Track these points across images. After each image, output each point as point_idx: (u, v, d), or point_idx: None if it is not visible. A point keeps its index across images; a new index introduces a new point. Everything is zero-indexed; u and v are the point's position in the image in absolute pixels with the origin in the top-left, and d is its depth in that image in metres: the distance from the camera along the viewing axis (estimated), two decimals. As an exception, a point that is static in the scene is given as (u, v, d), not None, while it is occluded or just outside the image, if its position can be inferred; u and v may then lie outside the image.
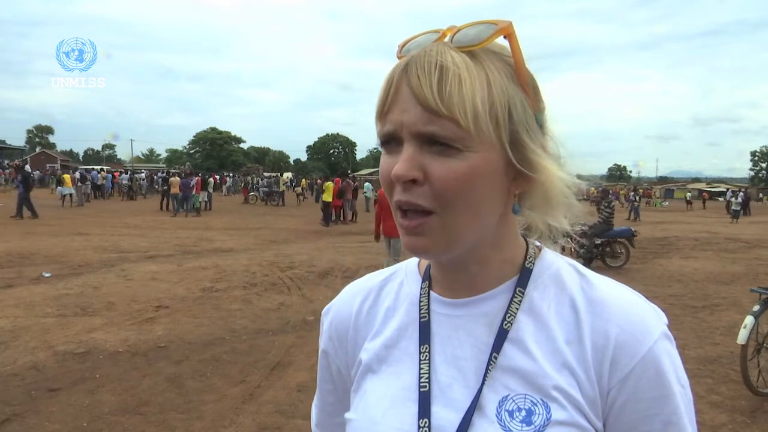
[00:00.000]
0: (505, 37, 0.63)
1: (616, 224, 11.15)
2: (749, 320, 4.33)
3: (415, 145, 0.61)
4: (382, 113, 0.64)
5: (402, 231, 0.65)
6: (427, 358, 0.70)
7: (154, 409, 4.00)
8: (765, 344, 4.53)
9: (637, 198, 26.93)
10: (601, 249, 10.67)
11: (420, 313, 0.73)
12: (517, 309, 0.68)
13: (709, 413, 4.12)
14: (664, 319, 0.68)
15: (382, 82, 0.65)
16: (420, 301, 0.74)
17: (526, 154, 0.64)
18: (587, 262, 10.52)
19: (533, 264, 0.71)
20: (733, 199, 26.78)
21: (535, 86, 0.66)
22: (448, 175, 0.60)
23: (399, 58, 0.67)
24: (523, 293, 0.69)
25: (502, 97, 0.62)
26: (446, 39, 0.65)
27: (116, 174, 35.37)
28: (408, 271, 0.79)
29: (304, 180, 45.05)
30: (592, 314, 0.66)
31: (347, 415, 0.76)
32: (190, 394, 4.27)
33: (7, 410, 3.92)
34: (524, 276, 0.70)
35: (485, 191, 0.63)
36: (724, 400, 4.37)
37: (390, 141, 0.64)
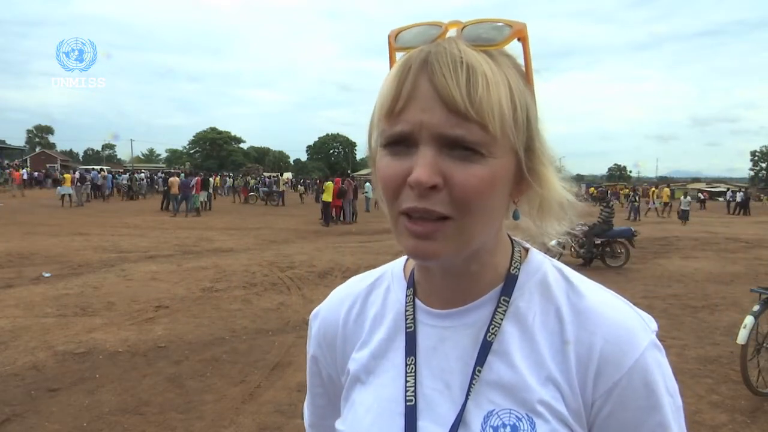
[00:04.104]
0: (519, 39, 0.61)
1: (616, 224, 11.16)
2: (749, 320, 4.33)
3: (435, 149, 0.57)
4: (394, 111, 0.58)
5: (406, 234, 0.60)
6: (413, 370, 0.69)
7: (154, 409, 4.00)
8: (765, 344, 4.53)
9: (637, 198, 26.68)
10: (601, 249, 10.67)
11: (406, 323, 0.72)
12: (502, 319, 0.67)
13: (709, 413, 4.12)
14: (653, 327, 0.67)
15: (391, 75, 0.60)
16: (406, 311, 0.72)
17: (534, 162, 0.63)
18: (587, 262, 10.54)
19: (518, 270, 0.69)
20: (682, 198, 24.80)
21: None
22: (471, 182, 0.58)
23: (394, 49, 0.63)
24: (507, 302, 0.67)
25: (522, 101, 0.60)
26: (451, 33, 0.61)
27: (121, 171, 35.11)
28: (394, 275, 0.78)
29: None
30: (577, 326, 0.65)
31: (337, 425, 0.75)
32: (190, 394, 4.27)
33: (7, 410, 3.92)
34: (509, 283, 0.68)
35: (500, 197, 0.62)
36: (724, 400, 4.37)
37: (400, 142, 0.59)
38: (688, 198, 24.20)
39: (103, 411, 3.95)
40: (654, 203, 28.94)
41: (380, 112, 0.61)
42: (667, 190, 31.86)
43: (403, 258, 0.79)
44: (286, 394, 4.30)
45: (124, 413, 3.93)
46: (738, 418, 4.07)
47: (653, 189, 33.28)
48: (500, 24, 0.60)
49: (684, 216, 22.83)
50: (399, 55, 0.63)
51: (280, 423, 3.85)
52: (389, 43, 0.64)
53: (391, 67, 0.62)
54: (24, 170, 40.70)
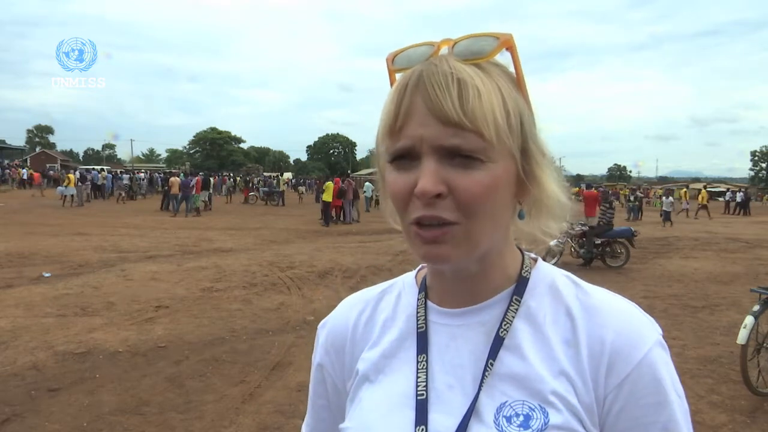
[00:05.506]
0: (507, 49, 0.64)
1: (616, 224, 11.16)
2: (749, 320, 4.33)
3: (436, 159, 0.61)
4: (395, 128, 0.63)
5: (419, 241, 0.64)
6: (424, 367, 0.70)
7: (154, 409, 4.00)
8: (765, 344, 4.53)
9: (635, 199, 26.32)
10: (601, 249, 10.66)
11: (417, 323, 0.73)
12: (514, 317, 0.68)
13: (709, 413, 4.12)
14: (659, 329, 0.68)
15: (390, 95, 0.64)
16: (417, 312, 0.74)
17: (531, 165, 0.65)
18: (587, 262, 10.53)
19: (529, 273, 0.72)
20: (664, 198, 24.07)
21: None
22: (473, 187, 0.61)
23: (393, 71, 0.67)
24: (519, 301, 0.69)
25: (515, 107, 0.63)
26: (444, 51, 0.65)
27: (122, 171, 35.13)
28: (406, 283, 0.80)
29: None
30: (588, 321, 0.67)
31: (342, 425, 0.75)
32: (190, 394, 4.27)
33: (7, 410, 3.92)
34: (521, 285, 0.71)
35: (504, 199, 0.65)
36: (724, 400, 4.37)
37: (404, 156, 0.63)
38: (670, 199, 23.48)
39: (103, 411, 3.95)
40: (687, 204, 28.37)
41: (383, 130, 0.65)
42: (704, 192, 30.31)
43: (415, 269, 0.81)
44: (286, 394, 4.30)
45: (124, 413, 3.93)
46: (738, 418, 4.07)
47: (684, 189, 32.45)
48: (488, 37, 0.64)
49: (666, 217, 22.07)
50: (399, 75, 0.67)
51: (280, 423, 3.85)
52: (387, 66, 0.68)
53: (391, 86, 0.66)
54: (24, 170, 40.76)
